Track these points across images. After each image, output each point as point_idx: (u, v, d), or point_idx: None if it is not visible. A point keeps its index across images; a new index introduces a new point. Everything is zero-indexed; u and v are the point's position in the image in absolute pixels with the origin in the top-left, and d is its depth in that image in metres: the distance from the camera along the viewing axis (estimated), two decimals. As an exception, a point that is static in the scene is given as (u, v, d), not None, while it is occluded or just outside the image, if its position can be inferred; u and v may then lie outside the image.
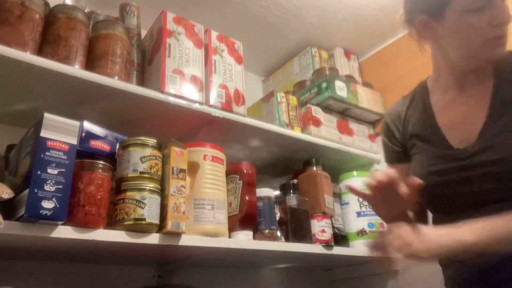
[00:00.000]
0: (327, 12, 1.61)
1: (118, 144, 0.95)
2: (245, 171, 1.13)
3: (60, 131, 0.80)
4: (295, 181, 1.37)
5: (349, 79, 1.58)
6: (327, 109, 1.51)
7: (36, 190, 0.73)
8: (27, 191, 0.73)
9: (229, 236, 1.06)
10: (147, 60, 1.19)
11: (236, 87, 1.26)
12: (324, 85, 1.49)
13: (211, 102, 1.18)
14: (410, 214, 0.86)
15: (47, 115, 0.80)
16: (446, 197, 0.90)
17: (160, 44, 1.13)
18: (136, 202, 0.87)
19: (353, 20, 1.63)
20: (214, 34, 1.28)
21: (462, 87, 0.93)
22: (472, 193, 0.85)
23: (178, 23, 1.19)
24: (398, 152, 1.02)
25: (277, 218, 1.21)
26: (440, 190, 0.89)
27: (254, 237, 1.11)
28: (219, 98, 1.20)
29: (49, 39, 0.96)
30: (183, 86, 1.12)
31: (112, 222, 0.87)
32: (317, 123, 1.46)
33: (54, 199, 0.75)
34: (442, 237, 0.78)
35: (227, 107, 1.20)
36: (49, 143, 0.78)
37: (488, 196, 0.83)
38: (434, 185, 0.90)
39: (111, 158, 0.93)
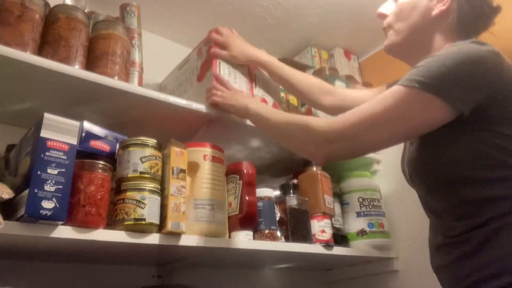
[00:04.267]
0: (327, 12, 1.61)
1: (118, 144, 0.95)
2: (245, 171, 1.13)
3: (60, 131, 0.80)
4: (295, 181, 1.37)
5: (349, 79, 1.58)
6: (327, 109, 1.50)
7: (36, 190, 0.73)
8: (27, 191, 0.73)
9: (229, 236, 1.06)
10: (197, 76, 1.24)
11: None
12: (324, 85, 1.48)
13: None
14: None
15: (47, 115, 0.80)
16: None
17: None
18: (136, 202, 0.87)
19: (353, 20, 1.63)
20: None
21: None
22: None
23: None
24: None
25: (277, 218, 1.21)
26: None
27: (254, 237, 1.11)
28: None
29: (49, 39, 0.96)
30: (183, 86, 1.12)
31: (112, 222, 0.87)
32: (317, 123, 1.45)
33: (54, 199, 0.75)
34: (241, 99, 1.09)
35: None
36: (49, 143, 0.78)
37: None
38: None
39: (111, 158, 0.93)
